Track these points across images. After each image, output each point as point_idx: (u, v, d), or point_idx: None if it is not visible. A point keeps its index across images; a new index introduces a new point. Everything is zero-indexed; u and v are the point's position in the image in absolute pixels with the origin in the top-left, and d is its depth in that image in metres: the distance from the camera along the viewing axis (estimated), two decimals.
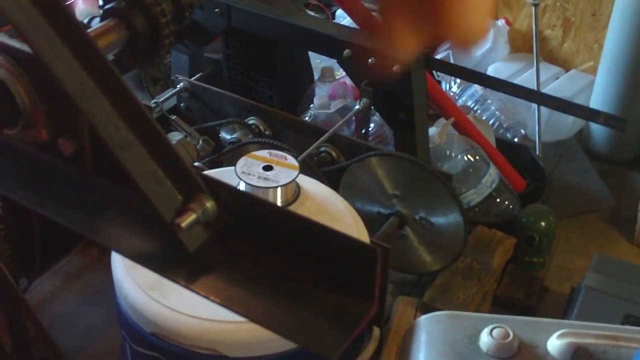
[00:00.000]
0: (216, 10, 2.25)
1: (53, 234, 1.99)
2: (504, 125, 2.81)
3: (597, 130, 2.83)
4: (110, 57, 1.52)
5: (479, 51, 3.16)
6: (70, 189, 0.81)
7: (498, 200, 2.28)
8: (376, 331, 1.49)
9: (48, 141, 0.81)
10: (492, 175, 2.25)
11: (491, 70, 3.09)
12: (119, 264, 1.37)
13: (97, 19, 3.05)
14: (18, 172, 0.85)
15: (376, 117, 2.37)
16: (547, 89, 2.89)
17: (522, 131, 2.83)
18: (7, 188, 0.83)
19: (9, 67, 0.80)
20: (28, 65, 0.79)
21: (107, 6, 1.53)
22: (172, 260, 0.73)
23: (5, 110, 0.79)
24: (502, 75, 2.93)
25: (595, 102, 2.81)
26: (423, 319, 1.17)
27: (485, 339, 1.07)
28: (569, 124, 2.89)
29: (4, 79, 0.79)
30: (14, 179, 0.83)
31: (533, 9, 2.78)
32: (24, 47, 0.78)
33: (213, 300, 0.69)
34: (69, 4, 2.84)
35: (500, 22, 3.22)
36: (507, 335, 1.06)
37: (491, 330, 1.07)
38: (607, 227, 2.53)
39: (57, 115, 0.80)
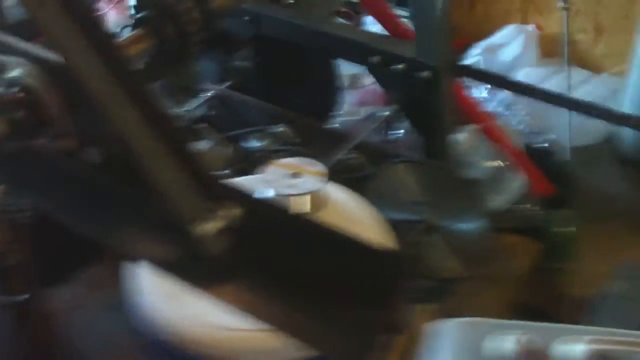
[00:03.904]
0: (245, 17, 2.26)
1: (75, 242, 1.99)
2: (533, 131, 2.79)
3: (628, 134, 2.80)
4: (139, 65, 1.54)
5: (510, 56, 3.15)
6: (96, 198, 0.82)
7: (524, 206, 2.27)
8: (398, 340, 1.48)
9: (77, 150, 0.83)
10: (520, 181, 2.24)
11: (522, 76, 3.07)
12: (137, 271, 1.37)
13: (129, 28, 3.08)
14: (44, 182, 0.86)
15: (405, 124, 2.37)
16: (578, 93, 2.86)
17: (552, 136, 2.81)
18: (33, 197, 0.85)
19: (41, 76, 0.81)
20: (59, 76, 0.81)
21: (138, 15, 1.55)
22: (194, 268, 0.74)
23: (36, 119, 0.81)
24: (532, 80, 2.91)
25: (627, 106, 2.78)
26: (444, 325, 1.17)
27: (507, 346, 1.07)
28: (599, 128, 2.86)
29: (36, 89, 0.81)
30: (39, 189, 0.85)
31: (565, 13, 2.76)
32: (57, 58, 0.80)
33: (233, 308, 0.70)
34: (100, 14, 2.88)
35: (531, 28, 3.21)
36: (530, 342, 1.06)
37: (514, 338, 1.07)
38: (633, 234, 2.49)
39: (86, 124, 0.82)
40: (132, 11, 1.62)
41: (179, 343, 1.28)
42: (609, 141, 2.90)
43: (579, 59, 3.19)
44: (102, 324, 2.12)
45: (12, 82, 0.80)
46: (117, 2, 3.08)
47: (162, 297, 1.31)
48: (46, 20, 0.72)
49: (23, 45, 0.83)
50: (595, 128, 2.85)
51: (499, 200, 2.21)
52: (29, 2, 0.71)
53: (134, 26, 1.58)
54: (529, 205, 2.27)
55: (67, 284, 2.21)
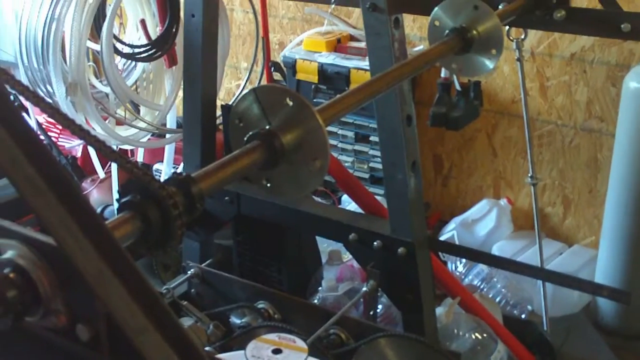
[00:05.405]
0: (226, 198, 2.32)
1: None
2: (511, 302, 2.83)
3: (605, 303, 2.84)
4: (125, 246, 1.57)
5: (484, 230, 3.23)
6: None
7: None
8: None
9: (66, 327, 0.85)
10: (500, 353, 2.25)
11: (496, 249, 3.14)
12: None
13: (111, 207, 3.15)
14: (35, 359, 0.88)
15: (384, 299, 2.40)
16: (551, 265, 2.93)
17: (529, 307, 2.85)
18: None
19: (32, 257, 0.85)
20: (50, 255, 0.85)
21: (123, 200, 1.61)
22: None
23: (28, 298, 0.84)
24: (506, 253, 2.98)
25: (600, 276, 2.83)
26: None
27: None
28: (576, 298, 2.90)
29: (27, 269, 0.84)
30: None
31: (532, 188, 2.87)
32: (47, 239, 0.84)
33: None
34: (85, 195, 2.96)
35: (503, 202, 3.31)
36: None
37: None
38: None
39: (76, 302, 0.85)
40: (116, 195, 1.68)
41: None
42: (586, 311, 2.93)
43: (550, 231, 3.29)
44: None
45: (4, 263, 0.83)
46: (100, 182, 3.18)
47: None
48: (42, 208, 0.77)
49: (15, 227, 0.87)
50: (573, 298, 2.89)
51: None
52: (25, 191, 0.76)
53: (120, 210, 1.63)
54: None
55: None
